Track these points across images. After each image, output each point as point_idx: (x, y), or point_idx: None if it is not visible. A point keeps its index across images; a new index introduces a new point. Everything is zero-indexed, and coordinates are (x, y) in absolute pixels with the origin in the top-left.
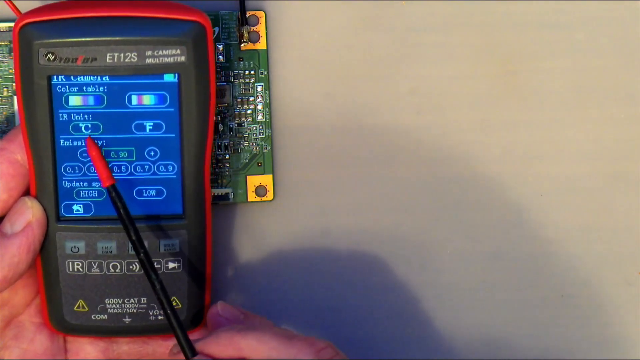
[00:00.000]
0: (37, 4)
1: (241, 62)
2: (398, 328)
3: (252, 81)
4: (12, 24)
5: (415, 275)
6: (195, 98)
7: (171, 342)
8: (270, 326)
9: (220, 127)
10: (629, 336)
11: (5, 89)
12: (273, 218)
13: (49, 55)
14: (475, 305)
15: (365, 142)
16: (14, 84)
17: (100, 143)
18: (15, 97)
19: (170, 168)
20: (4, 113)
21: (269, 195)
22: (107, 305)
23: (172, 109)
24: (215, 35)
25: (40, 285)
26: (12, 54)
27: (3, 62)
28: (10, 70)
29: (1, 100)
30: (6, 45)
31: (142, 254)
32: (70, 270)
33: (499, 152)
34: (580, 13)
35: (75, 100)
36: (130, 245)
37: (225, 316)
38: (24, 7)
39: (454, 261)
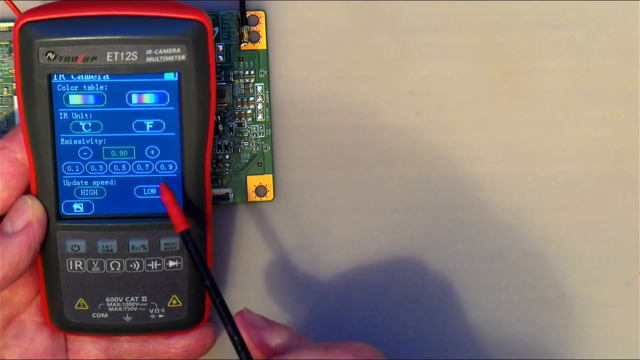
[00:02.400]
0: (37, 4)
1: (241, 62)
2: (398, 328)
3: (252, 81)
4: (12, 24)
5: (415, 275)
6: (195, 97)
7: (172, 340)
8: (307, 342)
9: (220, 127)
10: (629, 336)
11: (5, 88)
12: (273, 218)
13: (49, 54)
14: (476, 305)
15: (365, 142)
16: (14, 84)
17: (100, 142)
18: (15, 97)
19: (171, 167)
20: (4, 113)
21: (269, 195)
22: (108, 304)
23: (173, 108)
24: (215, 35)
25: (40, 284)
26: (12, 54)
27: (3, 62)
28: (10, 70)
29: (1, 100)
30: (6, 45)
31: (218, 301)
32: (71, 268)
33: (499, 152)
34: (580, 13)
35: (75, 99)
36: (130, 243)
37: (250, 320)
38: (24, 7)
39: (454, 261)
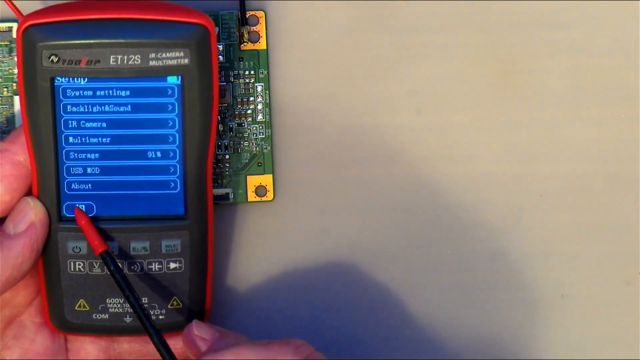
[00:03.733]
0: (37, 4)
1: (241, 62)
2: (398, 328)
3: (252, 81)
4: (11, 24)
5: (415, 275)
6: (198, 100)
7: (172, 341)
8: (245, 340)
9: (220, 127)
10: (629, 336)
11: (5, 89)
12: (273, 218)
13: (53, 57)
14: (475, 305)
15: (365, 142)
16: (14, 84)
17: (102, 144)
18: (15, 97)
19: (172, 169)
20: (5, 113)
21: (269, 195)
22: (108, 305)
23: (175, 111)
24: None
25: (41, 284)
26: (12, 53)
27: (3, 62)
28: (11, 70)
29: (1, 101)
30: (6, 45)
31: (139, 312)
32: (72, 270)
33: (499, 152)
34: (580, 13)
35: (78, 102)
36: (132, 245)
37: (200, 335)
38: (24, 7)
39: (454, 261)
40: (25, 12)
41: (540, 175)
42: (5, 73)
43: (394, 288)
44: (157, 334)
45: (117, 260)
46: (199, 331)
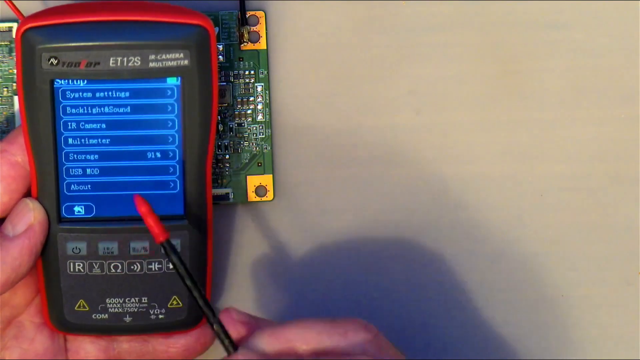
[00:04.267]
0: (38, 4)
1: (241, 62)
2: (398, 328)
3: (252, 81)
4: (11, 24)
5: (415, 275)
6: (197, 101)
7: (172, 339)
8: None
9: (220, 127)
10: (629, 336)
11: (5, 89)
12: (273, 218)
13: (52, 60)
14: (475, 305)
15: (365, 142)
16: (14, 84)
17: (101, 145)
18: (15, 97)
19: (172, 170)
20: (4, 113)
21: (269, 195)
22: (108, 305)
23: (175, 112)
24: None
25: (40, 285)
26: (12, 53)
27: (3, 62)
28: (10, 70)
29: (1, 101)
30: (6, 45)
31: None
32: (72, 270)
33: (499, 152)
34: (580, 13)
35: (77, 104)
36: (131, 245)
37: (240, 320)
38: (25, 7)
39: (454, 261)
40: (25, 13)
41: (540, 175)
42: (5, 73)
43: (394, 288)
44: (219, 323)
45: (117, 262)
46: (239, 317)
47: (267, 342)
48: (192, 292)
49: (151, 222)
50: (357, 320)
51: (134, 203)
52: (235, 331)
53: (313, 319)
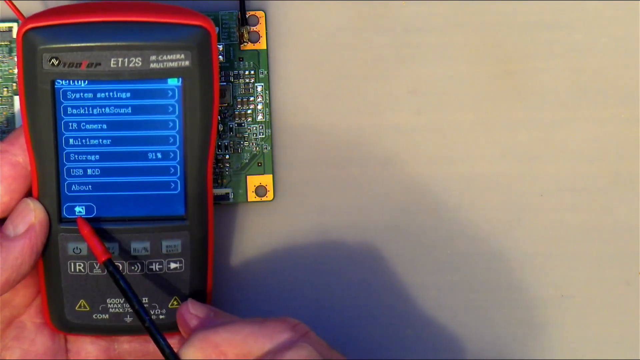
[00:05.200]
0: (38, 4)
1: (241, 62)
2: (398, 328)
3: (252, 81)
4: (11, 24)
5: (415, 275)
6: (198, 102)
7: (172, 340)
8: (239, 319)
9: (220, 127)
10: (629, 336)
11: (5, 89)
12: (273, 218)
13: (53, 60)
14: (475, 305)
15: (365, 142)
16: (14, 84)
17: (102, 146)
18: (15, 97)
19: (173, 170)
20: (4, 113)
21: (269, 195)
22: (109, 305)
23: (176, 113)
24: None
25: (41, 285)
26: (12, 53)
27: (3, 62)
28: (10, 70)
29: (1, 101)
30: (6, 45)
31: (147, 322)
32: (72, 270)
33: (499, 152)
34: (580, 13)
35: (78, 105)
36: (132, 246)
37: (195, 313)
38: (25, 7)
39: (454, 261)
40: (25, 13)
41: (540, 175)
42: (5, 73)
43: (393, 288)
44: (160, 335)
45: (118, 263)
46: (195, 309)
47: (196, 349)
48: (133, 307)
49: (93, 243)
50: (286, 320)
51: (77, 226)
52: (186, 324)
53: (242, 322)
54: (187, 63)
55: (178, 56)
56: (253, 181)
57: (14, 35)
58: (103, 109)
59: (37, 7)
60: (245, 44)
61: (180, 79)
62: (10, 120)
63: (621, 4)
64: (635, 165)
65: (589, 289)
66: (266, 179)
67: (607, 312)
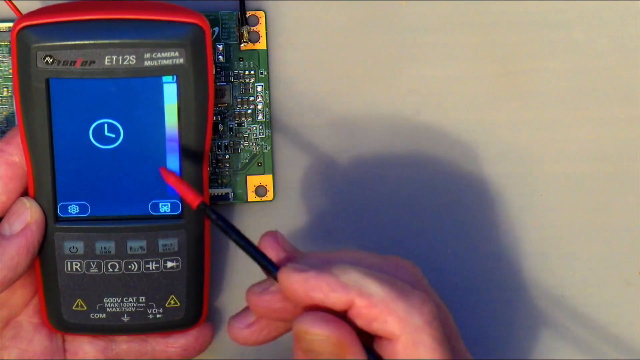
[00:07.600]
0: (38, 4)
1: (241, 62)
2: None
3: (252, 81)
4: (11, 24)
5: None
6: (193, 99)
7: (171, 339)
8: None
9: (220, 127)
10: (629, 336)
11: (5, 89)
12: (273, 218)
13: (47, 59)
14: (475, 305)
15: (365, 142)
16: None
17: (97, 145)
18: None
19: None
20: (4, 113)
21: (269, 195)
22: (106, 304)
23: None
24: (215, 35)
25: (38, 285)
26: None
27: (3, 62)
28: (10, 70)
29: (1, 100)
30: (6, 45)
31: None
32: (69, 270)
33: (499, 152)
34: (580, 13)
35: (73, 103)
36: (128, 245)
37: (283, 247)
38: (24, 6)
39: (454, 261)
40: (25, 12)
41: (540, 175)
42: (5, 73)
43: None
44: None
45: (114, 261)
46: (284, 244)
47: (314, 262)
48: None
49: (183, 188)
50: (407, 260)
51: (161, 176)
52: (276, 255)
53: (363, 252)
54: (181, 61)
55: (172, 54)
56: (253, 181)
57: None
58: (98, 107)
59: (36, 7)
60: (245, 44)
61: (174, 76)
62: (10, 120)
63: (621, 4)
64: (635, 165)
65: (589, 289)
66: (266, 179)
67: (607, 312)
